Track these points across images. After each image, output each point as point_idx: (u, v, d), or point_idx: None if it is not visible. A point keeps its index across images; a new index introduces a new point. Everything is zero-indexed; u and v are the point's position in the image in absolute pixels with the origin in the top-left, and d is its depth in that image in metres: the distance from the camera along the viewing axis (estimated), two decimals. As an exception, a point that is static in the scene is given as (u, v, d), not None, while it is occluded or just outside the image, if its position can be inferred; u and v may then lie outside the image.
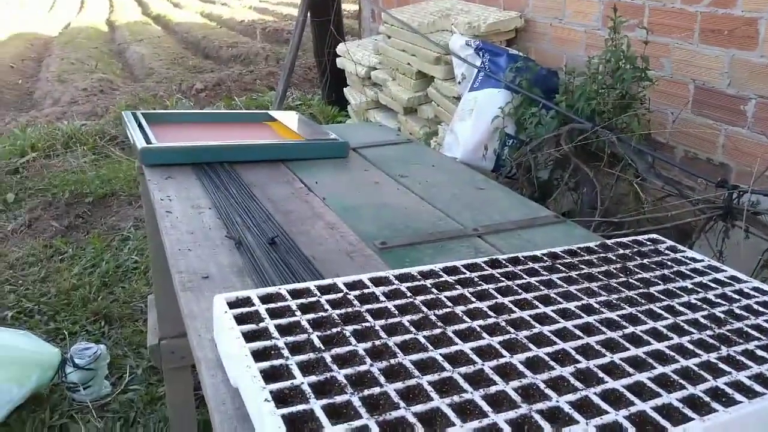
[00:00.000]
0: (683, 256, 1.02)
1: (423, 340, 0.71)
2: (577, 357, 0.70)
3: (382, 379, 0.63)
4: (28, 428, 1.96)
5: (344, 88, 4.12)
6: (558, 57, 2.65)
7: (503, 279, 0.89)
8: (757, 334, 0.77)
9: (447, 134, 2.38)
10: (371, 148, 1.82)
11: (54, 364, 2.08)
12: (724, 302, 0.86)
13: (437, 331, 0.74)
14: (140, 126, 1.70)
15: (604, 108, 2.03)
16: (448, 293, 0.84)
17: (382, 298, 0.82)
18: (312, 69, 7.15)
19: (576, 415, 0.59)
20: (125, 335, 2.46)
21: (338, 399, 0.60)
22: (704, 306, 0.84)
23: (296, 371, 0.64)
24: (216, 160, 1.61)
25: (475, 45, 2.49)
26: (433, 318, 0.77)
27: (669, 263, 0.99)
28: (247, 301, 0.79)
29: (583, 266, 0.95)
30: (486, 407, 0.59)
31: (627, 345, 0.73)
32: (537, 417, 0.58)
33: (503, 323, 0.76)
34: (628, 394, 0.63)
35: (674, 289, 0.89)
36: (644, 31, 2.00)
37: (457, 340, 0.72)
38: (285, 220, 1.26)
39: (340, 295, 0.82)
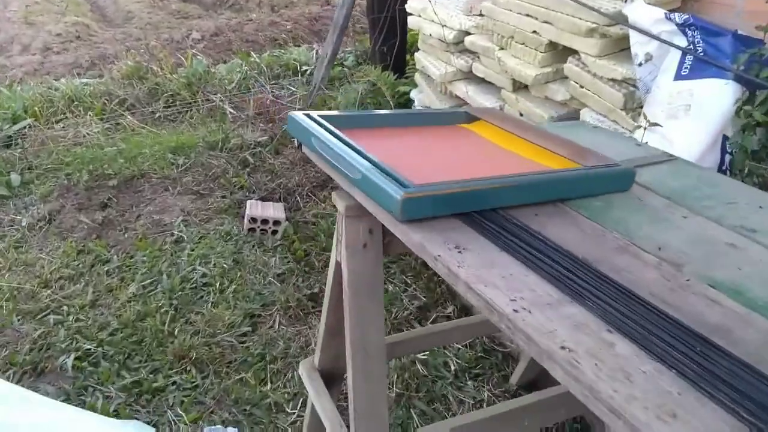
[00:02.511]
0: None
1: None
2: None
3: None
4: None
5: (416, 53, 3.48)
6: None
7: None
8: None
9: (641, 132, 1.85)
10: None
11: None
12: None
13: None
14: (337, 138, 1.11)
15: None
16: None
17: None
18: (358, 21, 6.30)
19: None
20: (230, 389, 1.89)
21: None
22: None
23: None
24: (490, 207, 1.04)
25: (683, 19, 1.93)
26: None
27: None
28: None
29: None
30: None
31: None
32: None
33: None
34: None
35: None
36: None
37: None
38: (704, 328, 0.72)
39: None
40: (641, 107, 2.24)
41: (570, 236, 1.01)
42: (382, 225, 1.20)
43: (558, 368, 0.71)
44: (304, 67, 4.73)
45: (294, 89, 4.42)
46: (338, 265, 1.24)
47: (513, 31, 2.73)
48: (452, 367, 2.08)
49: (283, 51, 5.20)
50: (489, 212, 1.04)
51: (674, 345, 0.75)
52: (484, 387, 2.02)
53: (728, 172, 1.85)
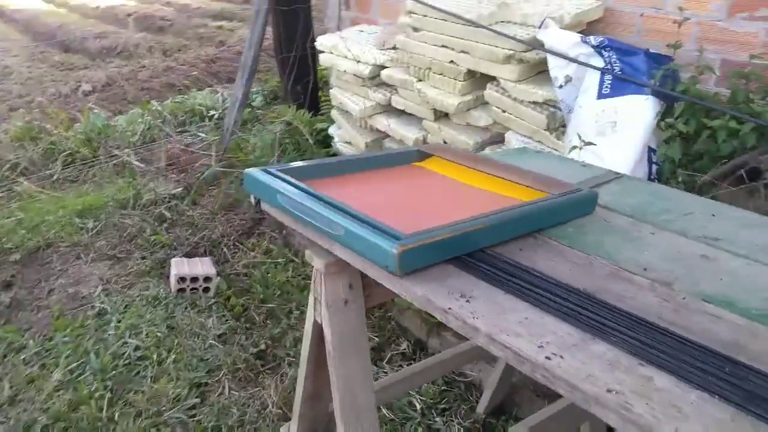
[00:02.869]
0: None
1: None
2: None
3: None
4: None
5: (332, 90, 3.45)
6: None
7: None
8: None
9: (576, 152, 1.91)
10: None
11: None
12: None
13: None
14: (306, 192, 1.05)
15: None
16: None
17: None
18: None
19: None
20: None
21: None
22: None
23: None
24: (478, 248, 1.02)
25: (598, 41, 2.03)
26: None
27: None
28: None
29: None
30: None
31: None
32: None
33: None
34: None
35: None
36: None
37: None
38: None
39: None
40: (564, 126, 2.34)
41: (561, 268, 1.00)
42: (361, 278, 1.14)
43: (611, 413, 0.67)
44: (212, 112, 4.57)
45: (203, 135, 4.25)
46: (317, 326, 1.15)
47: (430, 62, 2.78)
48: (417, 406, 2.02)
49: (185, 96, 5.01)
50: (477, 253, 1.01)
51: (705, 369, 0.74)
52: (453, 421, 1.97)
53: (657, 182, 1.94)
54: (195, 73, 6.88)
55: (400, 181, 1.32)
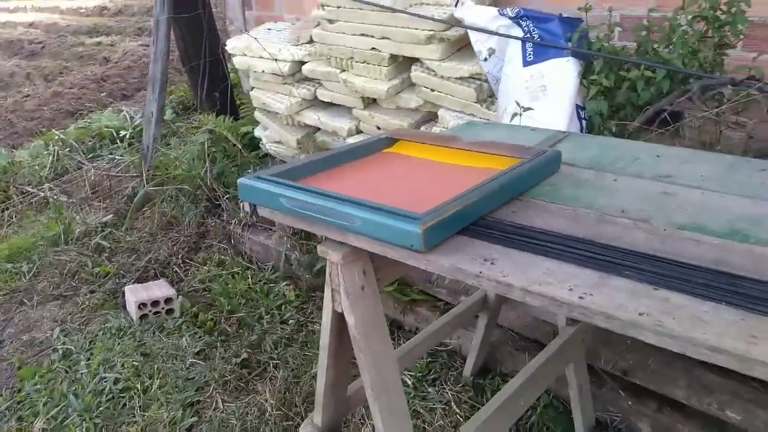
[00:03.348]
0: None
1: None
2: None
3: None
4: None
5: (252, 91, 3.42)
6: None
7: None
8: None
9: (509, 117, 2.05)
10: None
11: None
12: None
13: None
14: (310, 192, 1.12)
15: (705, 59, 1.93)
16: None
17: None
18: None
19: None
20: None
21: None
22: None
23: None
24: (480, 216, 1.12)
25: (515, 12, 2.17)
26: None
27: None
28: None
29: None
30: None
31: None
32: None
33: None
34: None
35: None
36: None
37: None
38: None
39: None
40: (492, 97, 2.49)
41: (555, 222, 1.12)
42: (372, 263, 1.21)
43: (647, 332, 0.79)
44: (122, 132, 4.39)
45: (120, 157, 4.09)
46: (338, 315, 1.22)
47: (351, 52, 2.84)
48: (409, 381, 2.12)
49: (88, 120, 4.77)
50: (480, 221, 1.11)
51: (707, 284, 0.88)
52: (444, 388, 2.09)
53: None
54: (86, 94, 6.54)
55: (381, 168, 1.39)
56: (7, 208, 3.61)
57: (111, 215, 3.41)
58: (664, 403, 1.84)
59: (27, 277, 2.87)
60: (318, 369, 1.34)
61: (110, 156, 4.16)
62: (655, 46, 2.03)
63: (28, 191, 3.76)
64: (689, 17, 1.95)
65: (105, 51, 8.41)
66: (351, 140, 3.00)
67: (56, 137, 4.43)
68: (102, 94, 6.39)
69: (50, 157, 4.10)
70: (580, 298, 0.86)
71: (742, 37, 1.92)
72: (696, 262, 0.94)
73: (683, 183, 1.28)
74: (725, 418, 1.73)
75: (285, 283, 2.71)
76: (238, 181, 1.22)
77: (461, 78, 2.52)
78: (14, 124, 5.80)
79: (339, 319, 1.23)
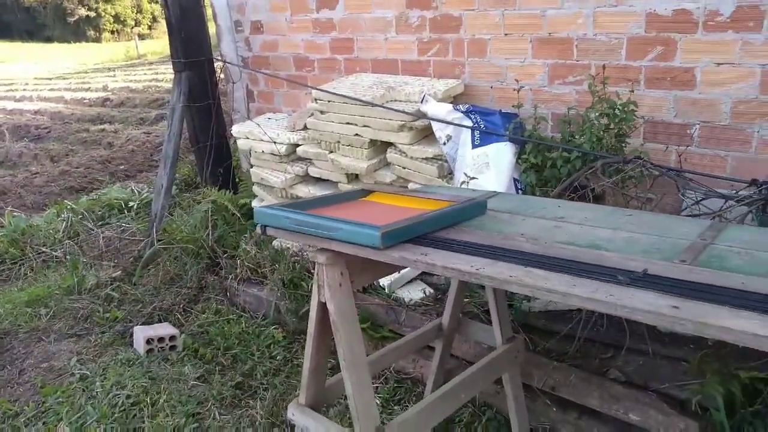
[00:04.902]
0: None
1: None
2: None
3: None
4: None
5: (252, 169, 4.00)
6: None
7: None
8: None
9: (462, 185, 2.62)
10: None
11: None
12: None
13: None
14: (307, 214, 1.63)
15: (608, 144, 2.53)
16: None
17: None
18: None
19: None
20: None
21: None
22: None
23: None
24: (422, 234, 1.63)
25: (466, 108, 2.80)
26: None
27: None
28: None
29: None
30: None
31: None
32: None
33: None
34: None
35: None
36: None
37: None
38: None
39: None
40: (450, 174, 3.07)
41: (473, 238, 1.63)
42: (347, 270, 1.70)
43: (514, 285, 1.29)
44: (130, 203, 4.90)
45: (127, 225, 4.57)
46: (321, 305, 1.69)
47: (339, 137, 3.45)
48: (378, 402, 2.52)
49: (100, 193, 5.28)
50: (422, 237, 1.62)
51: (560, 265, 1.39)
52: (408, 407, 2.49)
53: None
54: (92, 173, 7.10)
55: (357, 208, 1.91)
56: (24, 263, 4.04)
57: (119, 271, 3.85)
58: (584, 412, 2.27)
59: (45, 319, 3.26)
60: (304, 356, 1.79)
61: (118, 223, 4.65)
62: (572, 134, 2.65)
63: (43, 251, 4.20)
64: (596, 114, 2.58)
65: (109, 137, 9.05)
66: (335, 209, 3.53)
67: (68, 206, 4.92)
68: (107, 174, 6.94)
69: (64, 223, 4.58)
70: (477, 270, 1.36)
71: (633, 129, 2.54)
72: (558, 257, 1.46)
73: (571, 221, 1.81)
74: (629, 421, 2.16)
75: (274, 327, 3.13)
76: (255, 209, 1.73)
77: (427, 158, 3.12)
78: (24, 198, 6.29)
79: (322, 308, 1.69)
